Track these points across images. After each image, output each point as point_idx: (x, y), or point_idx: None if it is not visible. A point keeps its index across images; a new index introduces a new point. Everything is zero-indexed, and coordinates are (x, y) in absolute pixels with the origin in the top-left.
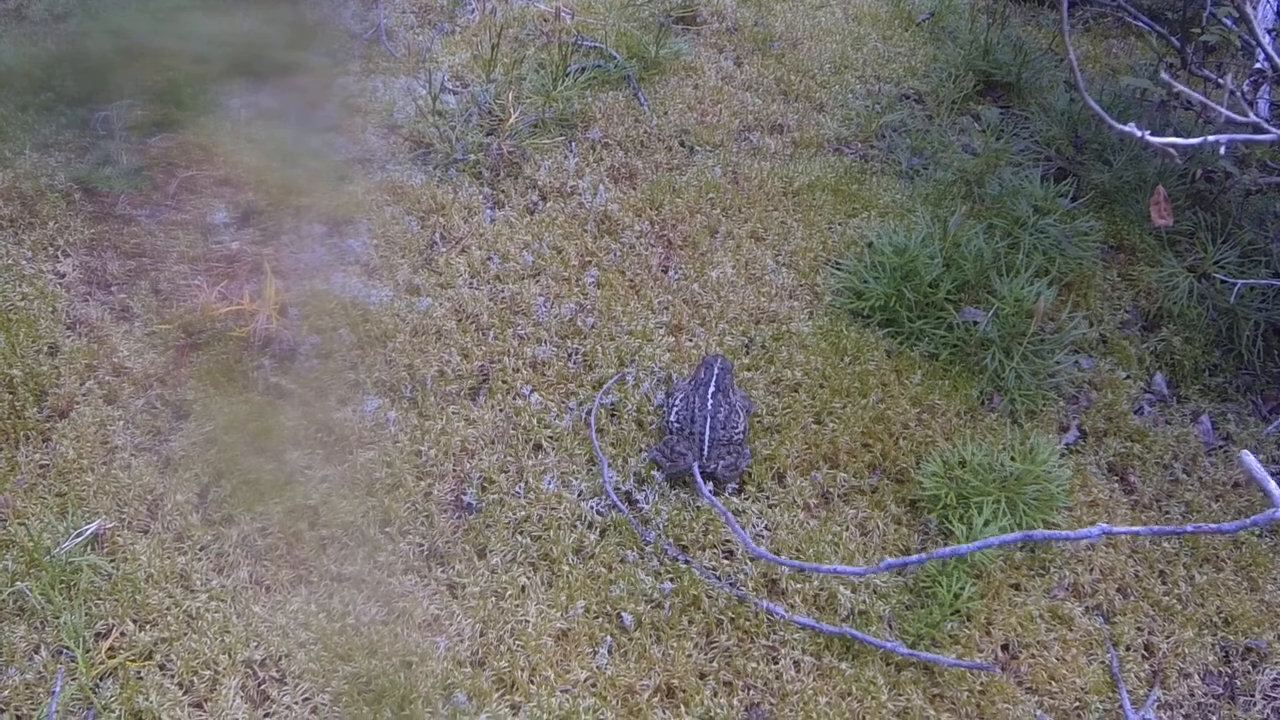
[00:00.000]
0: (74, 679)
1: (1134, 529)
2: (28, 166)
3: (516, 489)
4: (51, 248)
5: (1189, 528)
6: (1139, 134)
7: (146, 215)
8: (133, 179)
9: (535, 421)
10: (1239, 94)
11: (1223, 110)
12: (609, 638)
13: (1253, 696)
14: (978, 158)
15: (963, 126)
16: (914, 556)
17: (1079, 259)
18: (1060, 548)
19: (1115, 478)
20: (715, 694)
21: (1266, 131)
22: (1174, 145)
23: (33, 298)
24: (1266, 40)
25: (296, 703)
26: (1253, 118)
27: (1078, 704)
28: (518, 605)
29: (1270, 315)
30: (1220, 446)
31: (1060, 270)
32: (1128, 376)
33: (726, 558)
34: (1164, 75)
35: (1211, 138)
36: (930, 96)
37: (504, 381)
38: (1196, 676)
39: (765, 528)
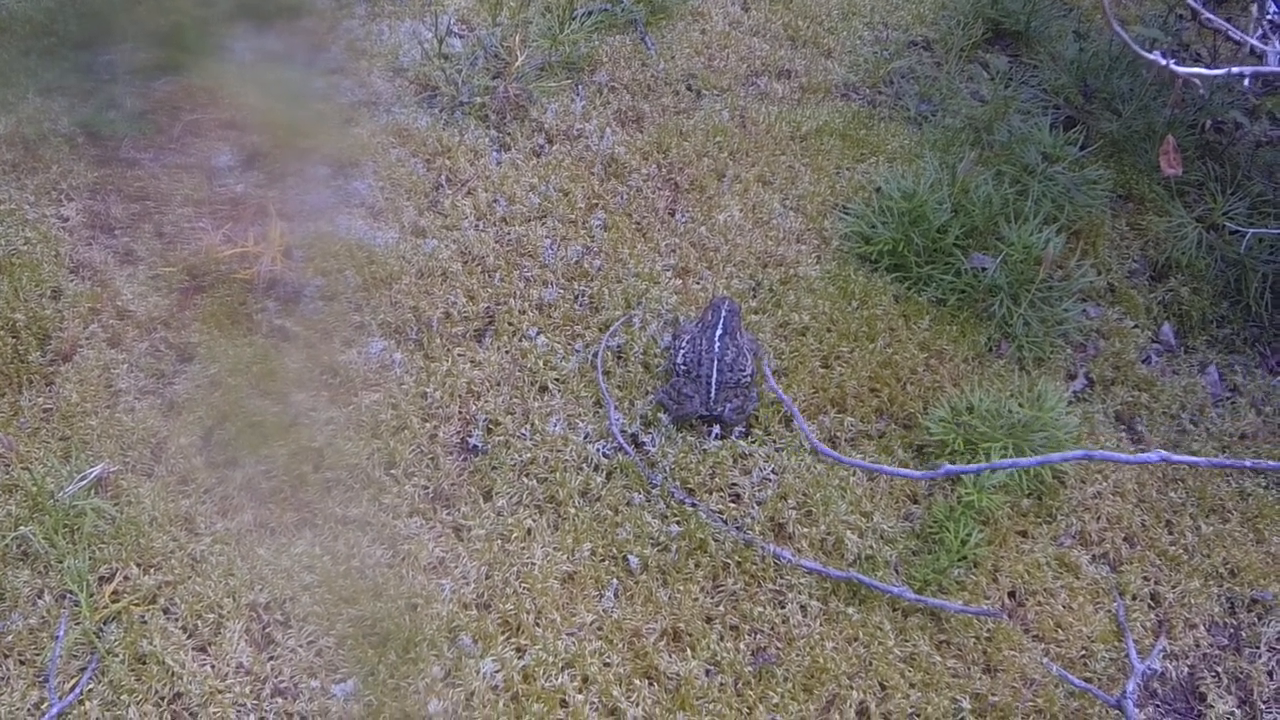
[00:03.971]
0: (78, 623)
1: (1194, 459)
2: (30, 111)
3: (522, 431)
4: (55, 192)
5: (1248, 463)
6: (1163, 62)
7: (150, 159)
8: (136, 123)
9: (541, 363)
10: (1251, 43)
11: (1250, 39)
12: (615, 581)
13: (1258, 648)
14: (986, 105)
15: (971, 74)
16: (974, 466)
17: (1087, 207)
18: (1068, 496)
19: (1123, 426)
20: (722, 638)
21: None
22: (1198, 75)
23: (36, 242)
24: None
25: (301, 646)
26: (1275, 46)
27: (1084, 652)
28: (523, 548)
29: (1279, 267)
30: (1228, 398)
31: (1069, 218)
32: (1135, 326)
33: (733, 501)
34: (1190, 3)
35: (1235, 69)
36: (939, 44)
37: (510, 323)
38: (1202, 627)
39: (772, 471)
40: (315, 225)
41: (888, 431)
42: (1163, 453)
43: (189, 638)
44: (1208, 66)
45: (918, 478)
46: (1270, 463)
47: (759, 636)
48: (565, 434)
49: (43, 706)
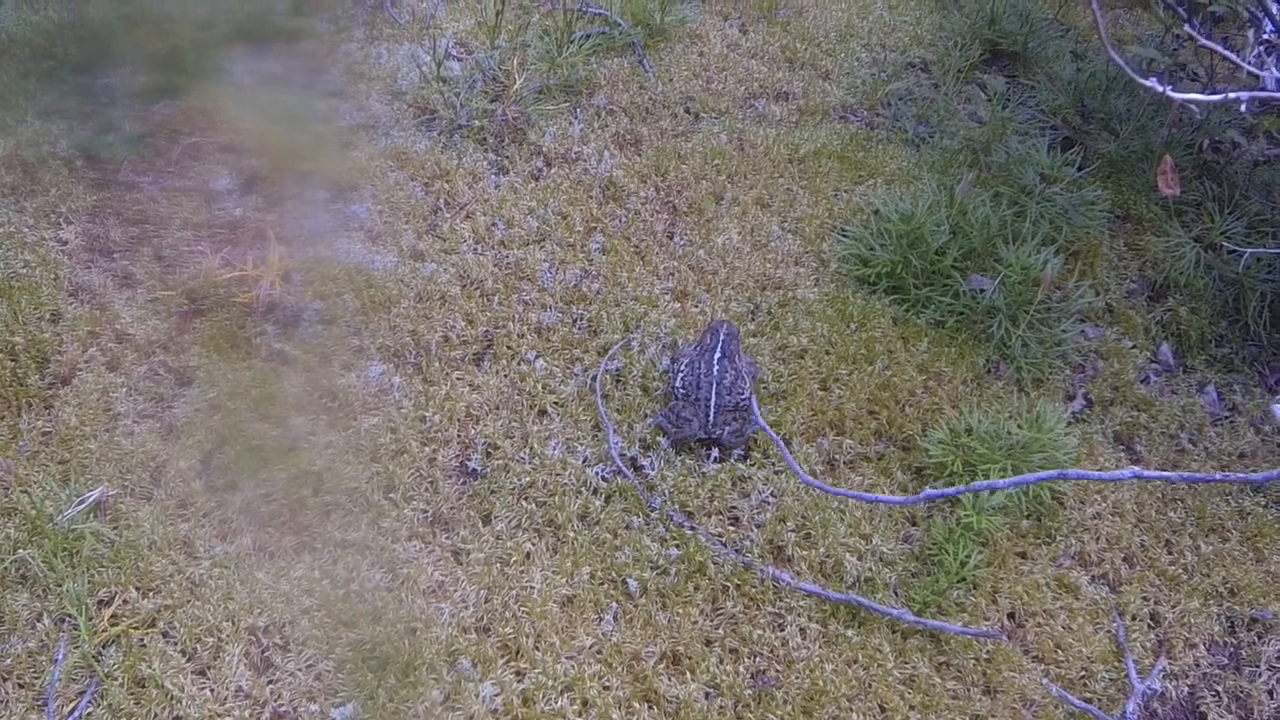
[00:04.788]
0: (76, 647)
1: (1166, 474)
2: (29, 134)
3: (521, 455)
4: (54, 215)
5: (1218, 476)
6: (1160, 89)
7: (149, 182)
8: (135, 146)
9: (540, 387)
10: (1248, 63)
11: (1245, 64)
12: (614, 604)
13: (1258, 667)
14: (984, 126)
15: (969, 95)
16: (953, 489)
17: (1086, 228)
18: (1067, 517)
19: (1122, 447)
20: (721, 661)
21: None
22: (1194, 101)
23: (35, 265)
24: (1276, 9)
25: (300, 670)
26: (1273, 70)
27: (1084, 673)
28: (523, 571)
29: (1277, 286)
30: (1226, 417)
31: (1067, 239)
32: (1134, 346)
33: (732, 524)
34: (1188, 29)
35: (1233, 94)
36: (936, 65)
37: (509, 347)
38: (1202, 647)
39: (771, 494)
40: (314, 249)
41: (886, 454)
42: (1135, 469)
43: (188, 661)
44: (1205, 87)
45: (898, 503)
46: (1238, 475)
47: (758, 659)
48: (564, 457)
49: None
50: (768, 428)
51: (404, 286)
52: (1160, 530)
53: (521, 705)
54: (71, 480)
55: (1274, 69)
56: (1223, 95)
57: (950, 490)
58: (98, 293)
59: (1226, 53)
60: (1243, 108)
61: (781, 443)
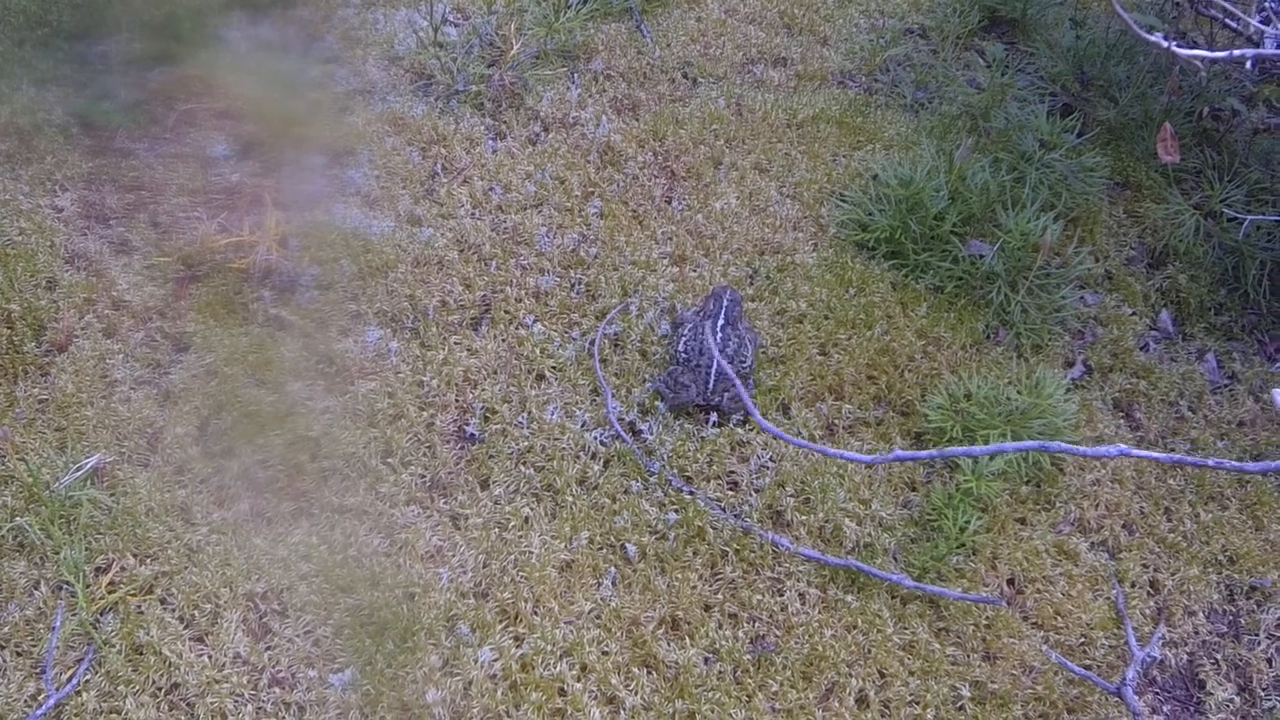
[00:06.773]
0: (74, 614)
1: (1155, 454)
2: (25, 102)
3: (519, 419)
4: (49, 182)
5: (1211, 461)
6: (1165, 44)
7: (145, 149)
8: (131, 113)
9: (538, 351)
10: (1253, 24)
11: (1252, 20)
12: (613, 569)
13: (1257, 635)
14: (983, 92)
15: (967, 61)
16: (924, 452)
17: (1085, 194)
18: (1066, 483)
19: (1121, 414)
20: (720, 626)
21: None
22: (1200, 57)
23: (30, 232)
24: None
25: (298, 635)
26: (1276, 29)
27: (1083, 639)
28: (521, 536)
29: (1277, 254)
30: (1225, 385)
31: (1066, 205)
32: (1133, 313)
33: (731, 489)
34: None
35: (1237, 52)
36: (935, 31)
37: (506, 311)
38: (1201, 614)
39: (770, 459)
40: (311, 214)
41: (885, 419)
42: (1123, 447)
43: (186, 628)
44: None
45: (868, 462)
46: (1231, 462)
47: (758, 624)
48: (562, 422)
49: (40, 698)
50: (752, 406)
51: (401, 251)
52: (1160, 497)
53: (520, 670)
54: (68, 447)
55: (1273, 37)
56: (1227, 54)
57: (921, 454)
58: (94, 260)
59: (1228, 6)
60: (1248, 64)
61: (758, 413)
